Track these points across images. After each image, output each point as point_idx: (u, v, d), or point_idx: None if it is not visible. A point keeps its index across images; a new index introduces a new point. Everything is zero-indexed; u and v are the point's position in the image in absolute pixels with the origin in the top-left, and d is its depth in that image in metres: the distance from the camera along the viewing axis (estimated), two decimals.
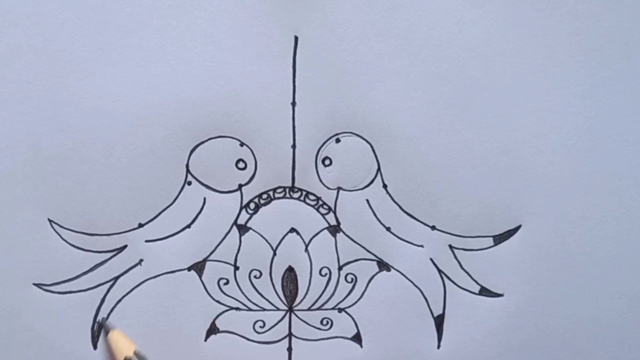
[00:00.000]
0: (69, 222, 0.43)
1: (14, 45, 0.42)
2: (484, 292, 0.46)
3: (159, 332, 0.44)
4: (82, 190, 0.43)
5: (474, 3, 0.44)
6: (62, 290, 0.43)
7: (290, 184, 0.44)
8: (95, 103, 0.43)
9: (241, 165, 0.44)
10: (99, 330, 0.43)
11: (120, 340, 0.43)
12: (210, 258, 0.44)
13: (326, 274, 0.45)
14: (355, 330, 0.45)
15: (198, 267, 0.44)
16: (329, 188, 0.45)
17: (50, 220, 0.43)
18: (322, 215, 0.45)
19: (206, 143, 0.44)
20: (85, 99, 0.43)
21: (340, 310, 0.45)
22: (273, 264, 0.45)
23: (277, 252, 0.45)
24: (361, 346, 0.45)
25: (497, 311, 0.46)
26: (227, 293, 0.45)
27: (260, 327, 0.45)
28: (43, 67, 0.42)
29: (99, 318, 0.43)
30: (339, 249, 0.45)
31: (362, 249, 0.45)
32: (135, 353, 0.43)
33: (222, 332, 0.45)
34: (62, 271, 0.43)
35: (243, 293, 0.45)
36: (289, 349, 0.45)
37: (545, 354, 0.46)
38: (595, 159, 0.46)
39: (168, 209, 0.44)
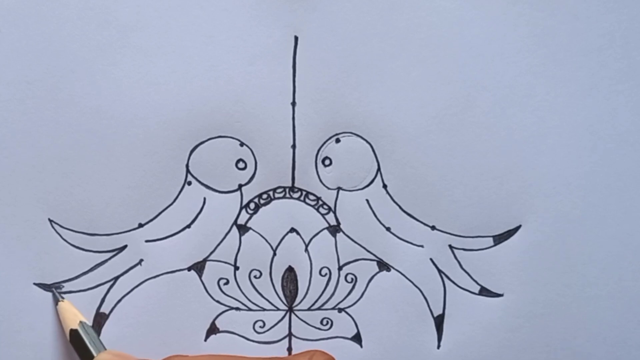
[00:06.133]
0: (69, 222, 0.43)
1: (14, 45, 0.42)
2: (484, 292, 0.46)
3: (159, 332, 0.44)
4: (82, 190, 0.43)
5: (474, 3, 0.44)
6: (62, 291, 0.43)
7: (290, 184, 0.44)
8: (95, 103, 0.43)
9: (241, 165, 0.44)
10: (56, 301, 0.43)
11: (67, 312, 0.43)
12: (210, 258, 0.44)
13: (326, 274, 0.45)
14: (355, 330, 0.45)
15: (198, 267, 0.44)
16: (329, 188, 0.45)
17: (50, 220, 0.43)
18: (322, 215, 0.45)
19: (206, 143, 0.44)
20: (85, 99, 0.43)
21: (340, 310, 0.45)
22: (273, 264, 0.45)
23: (277, 252, 0.45)
24: (361, 346, 0.45)
25: (497, 311, 0.46)
26: (227, 293, 0.45)
27: (260, 327, 0.45)
28: (43, 67, 0.42)
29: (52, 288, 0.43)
30: (339, 249, 0.45)
31: (362, 249, 0.45)
32: (81, 324, 0.42)
33: (222, 332, 0.45)
34: (62, 271, 0.43)
35: (243, 293, 0.45)
36: (289, 349, 0.45)
37: (545, 354, 0.46)
38: (595, 159, 0.46)
39: (168, 209, 0.44)
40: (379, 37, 0.44)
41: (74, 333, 0.42)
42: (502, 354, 0.46)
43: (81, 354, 0.42)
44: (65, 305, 0.43)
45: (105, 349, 0.42)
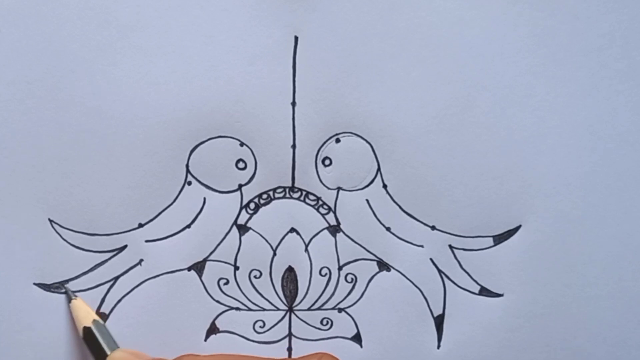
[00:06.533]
0: (69, 222, 0.43)
1: (14, 45, 0.42)
2: (484, 292, 0.46)
3: (159, 332, 0.44)
4: (82, 190, 0.43)
5: (474, 3, 0.44)
6: (63, 290, 0.43)
7: (290, 184, 0.44)
8: (95, 103, 0.43)
9: (241, 165, 0.44)
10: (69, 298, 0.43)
11: (81, 310, 0.43)
12: (210, 258, 0.44)
13: (326, 274, 0.45)
14: (355, 330, 0.45)
15: (198, 267, 0.44)
16: (329, 188, 0.45)
17: (50, 220, 0.43)
18: (322, 215, 0.45)
19: (206, 143, 0.44)
20: (85, 99, 0.43)
21: (340, 310, 0.45)
22: (273, 264, 0.45)
23: (277, 252, 0.45)
24: (361, 346, 0.45)
25: (497, 311, 0.46)
26: (227, 293, 0.45)
27: (260, 327, 0.45)
28: (43, 67, 0.42)
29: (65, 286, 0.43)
30: (339, 249, 0.45)
31: (362, 249, 0.45)
32: (95, 322, 0.42)
33: (222, 332, 0.45)
34: (62, 271, 0.43)
35: (243, 293, 0.45)
36: (289, 349, 0.45)
37: (545, 354, 0.46)
38: (595, 159, 0.46)
39: (168, 209, 0.44)
40: (379, 37, 0.44)
41: (87, 331, 0.42)
42: (502, 354, 0.46)
43: (94, 352, 0.42)
44: (79, 303, 0.43)
45: (119, 347, 0.42)
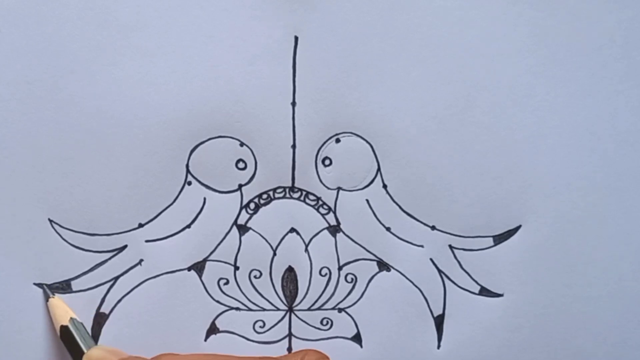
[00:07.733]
0: (69, 222, 0.43)
1: (14, 45, 0.42)
2: (484, 292, 0.46)
3: (159, 332, 0.44)
4: (82, 190, 0.43)
5: (474, 3, 0.44)
6: (63, 291, 0.43)
7: (290, 184, 0.44)
8: (95, 103, 0.43)
9: (241, 165, 0.44)
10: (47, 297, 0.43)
11: (58, 308, 0.43)
12: (210, 258, 0.44)
13: (326, 274, 0.45)
14: (355, 330, 0.45)
15: (198, 267, 0.44)
16: (329, 188, 0.45)
17: (50, 220, 0.43)
18: (322, 215, 0.45)
19: (206, 143, 0.44)
20: (85, 99, 0.43)
21: (340, 310, 0.45)
22: (273, 264, 0.45)
23: (277, 252, 0.45)
24: (361, 346, 0.45)
25: (497, 311, 0.46)
26: (227, 293, 0.45)
27: (260, 327, 0.45)
28: (43, 67, 0.42)
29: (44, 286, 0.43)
30: (339, 249, 0.45)
31: (362, 249, 0.45)
32: (72, 320, 0.42)
33: (222, 332, 0.45)
34: (62, 271, 0.43)
35: (243, 293, 0.45)
36: (289, 349, 0.45)
37: (545, 354, 0.46)
38: (595, 159, 0.46)
39: (168, 209, 0.44)
40: (379, 37, 0.44)
41: (64, 329, 0.42)
42: (502, 354, 0.46)
43: (71, 350, 0.42)
44: (56, 301, 0.43)
45: (96, 345, 0.42)
